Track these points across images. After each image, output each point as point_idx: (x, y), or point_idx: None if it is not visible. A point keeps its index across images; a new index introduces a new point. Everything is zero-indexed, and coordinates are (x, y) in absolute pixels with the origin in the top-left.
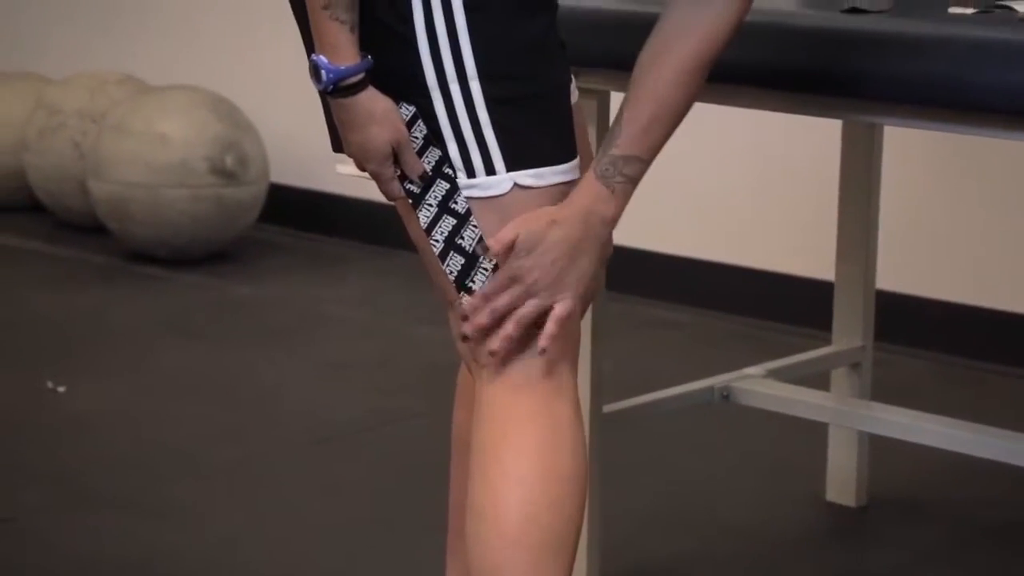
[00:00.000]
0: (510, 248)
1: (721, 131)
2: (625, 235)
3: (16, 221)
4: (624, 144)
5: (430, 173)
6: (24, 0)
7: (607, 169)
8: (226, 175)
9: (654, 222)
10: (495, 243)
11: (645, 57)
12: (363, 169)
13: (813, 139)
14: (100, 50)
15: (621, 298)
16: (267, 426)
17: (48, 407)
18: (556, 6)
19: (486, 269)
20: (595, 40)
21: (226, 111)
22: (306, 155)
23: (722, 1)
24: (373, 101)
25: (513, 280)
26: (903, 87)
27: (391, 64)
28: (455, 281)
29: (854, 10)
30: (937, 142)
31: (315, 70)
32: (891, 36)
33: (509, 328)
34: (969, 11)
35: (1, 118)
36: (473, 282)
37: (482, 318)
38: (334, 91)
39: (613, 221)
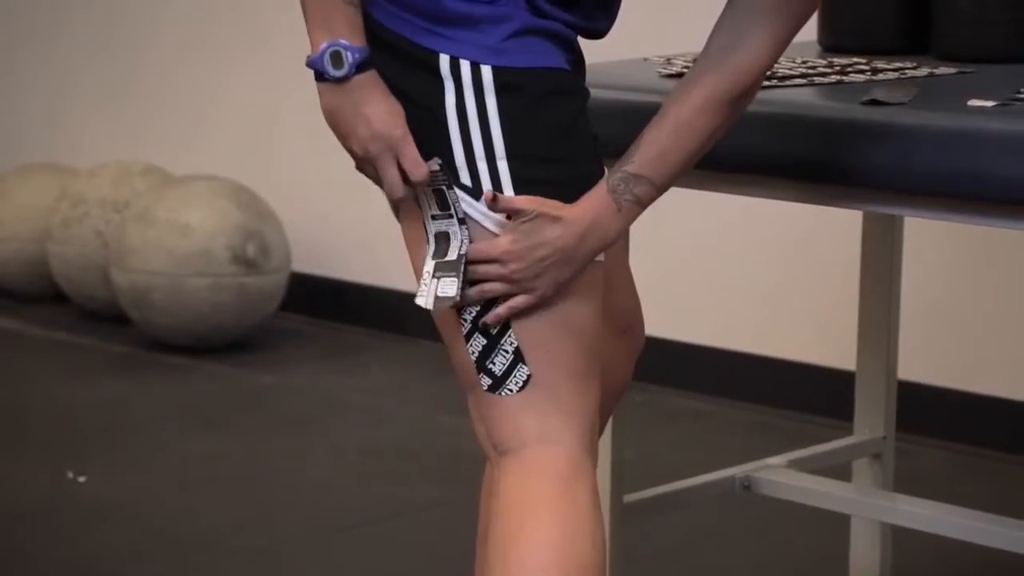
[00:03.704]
0: (512, 212)
1: (743, 221)
2: (647, 324)
3: (39, 310)
4: (639, 163)
5: (462, 253)
6: (48, 91)
7: (618, 185)
8: (248, 264)
9: (675, 311)
10: (505, 200)
11: (675, 89)
12: (363, 170)
13: (834, 229)
14: (124, 140)
15: (642, 387)
16: (289, 515)
17: (69, 497)
18: (587, 94)
19: (507, 351)
20: (627, 131)
21: (248, 201)
22: (328, 244)
23: (755, 44)
24: (379, 79)
25: (497, 260)
26: (923, 179)
27: (419, 140)
28: (476, 361)
29: (874, 102)
30: (958, 232)
31: (336, 57)
32: (911, 128)
33: (472, 293)
34: (989, 103)
35: (25, 208)
36: (493, 364)
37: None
38: (353, 74)
39: (613, 239)
